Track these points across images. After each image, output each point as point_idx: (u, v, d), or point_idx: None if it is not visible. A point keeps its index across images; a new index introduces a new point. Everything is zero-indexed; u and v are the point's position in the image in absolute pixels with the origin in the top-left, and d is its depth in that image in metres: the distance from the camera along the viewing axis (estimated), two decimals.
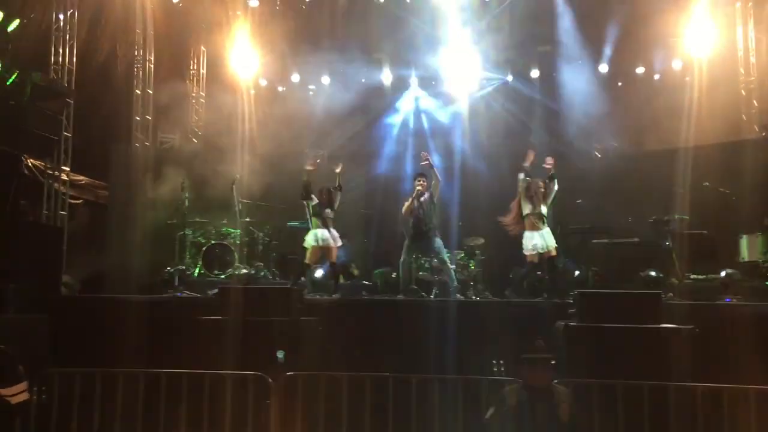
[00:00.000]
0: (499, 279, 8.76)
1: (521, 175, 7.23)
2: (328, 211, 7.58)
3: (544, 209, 7.20)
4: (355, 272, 9.12)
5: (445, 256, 7.51)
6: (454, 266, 8.03)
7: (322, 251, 7.62)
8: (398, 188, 9.47)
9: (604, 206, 9.52)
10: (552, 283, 7.32)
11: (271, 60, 11.19)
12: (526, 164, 7.26)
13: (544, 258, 7.22)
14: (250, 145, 10.55)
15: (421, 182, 7.52)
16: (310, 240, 7.53)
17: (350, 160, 10.83)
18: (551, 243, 7.18)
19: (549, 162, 7.22)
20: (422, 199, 7.46)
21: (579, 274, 8.42)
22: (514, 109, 11.22)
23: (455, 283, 7.48)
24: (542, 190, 7.19)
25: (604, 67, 10.95)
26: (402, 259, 7.53)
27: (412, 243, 7.51)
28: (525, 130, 11.17)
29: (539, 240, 7.14)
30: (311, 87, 11.64)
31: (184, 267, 8.53)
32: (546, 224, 7.19)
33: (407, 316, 6.54)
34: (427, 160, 7.38)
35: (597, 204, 9.41)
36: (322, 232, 7.49)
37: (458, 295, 7.39)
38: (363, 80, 11.24)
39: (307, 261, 7.57)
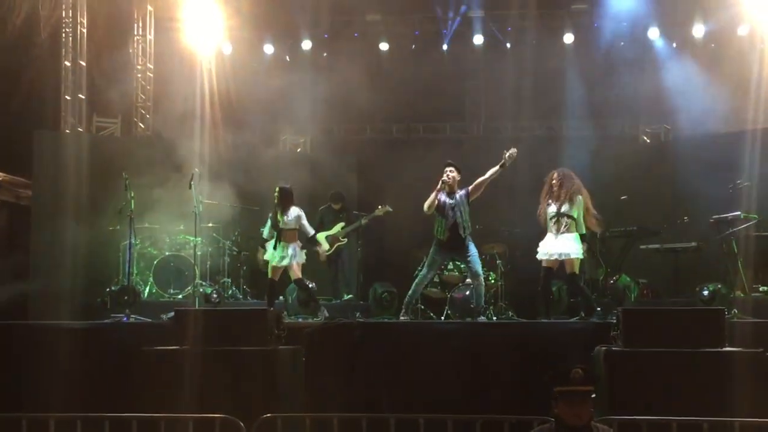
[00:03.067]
0: (525, 295, 8.92)
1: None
2: (286, 220, 7.86)
3: (565, 208, 7.31)
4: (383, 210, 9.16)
5: (480, 270, 7.54)
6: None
7: (282, 268, 7.91)
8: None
9: (653, 204, 9.69)
10: (585, 301, 7.45)
11: (238, 23, 11.28)
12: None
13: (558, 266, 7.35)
14: (213, 131, 10.67)
15: (449, 172, 7.46)
16: (269, 255, 7.91)
17: (340, 148, 11.07)
18: (568, 251, 7.24)
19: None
20: (458, 196, 7.40)
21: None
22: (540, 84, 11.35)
23: (482, 304, 7.59)
24: (555, 181, 7.33)
25: (654, 32, 11.07)
26: (422, 272, 7.60)
27: (440, 253, 7.53)
28: (552, 109, 11.35)
29: (553, 245, 7.28)
30: (287, 58, 11.73)
31: (130, 285, 8.62)
32: (572, 227, 7.29)
33: (412, 342, 6.66)
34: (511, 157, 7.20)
35: (645, 201, 9.58)
36: (279, 249, 7.83)
37: (482, 317, 7.50)
38: (353, 54, 11.34)
39: (270, 276, 7.91)
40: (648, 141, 11.49)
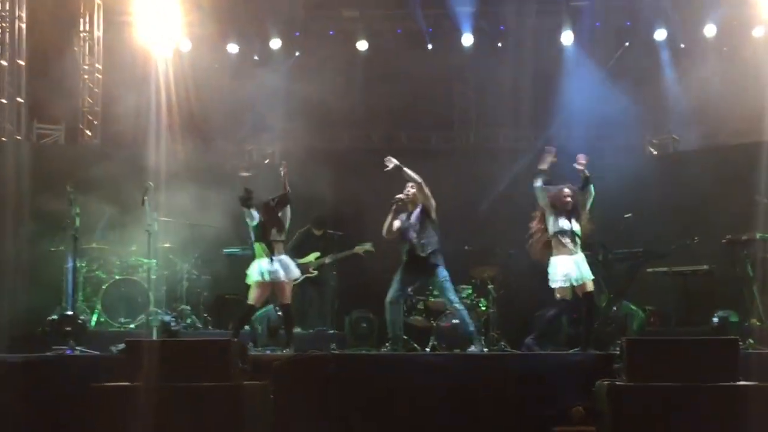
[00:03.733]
0: (519, 323, 9.00)
1: (537, 182, 7.46)
2: (274, 232, 7.75)
3: (576, 226, 7.43)
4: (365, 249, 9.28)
5: (453, 293, 7.67)
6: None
7: (272, 289, 7.78)
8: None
9: (661, 222, 9.85)
10: (589, 329, 7.55)
11: (199, 18, 11.34)
12: (544, 167, 7.49)
13: (578, 293, 7.43)
14: (170, 140, 10.71)
15: (412, 188, 7.64)
16: (253, 274, 7.70)
17: (313, 159, 11.09)
18: (587, 273, 7.39)
19: (581, 161, 7.45)
20: (414, 215, 7.59)
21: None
22: (534, 86, 11.51)
23: (471, 327, 7.67)
24: (569, 199, 7.42)
25: (661, 33, 11.23)
26: (389, 296, 7.69)
27: (404, 275, 7.68)
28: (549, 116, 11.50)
29: (573, 268, 7.34)
30: (255, 57, 11.79)
31: (75, 313, 8.57)
32: (579, 246, 7.41)
33: (393, 377, 6.69)
34: (390, 163, 7.48)
35: (652, 219, 9.74)
36: (268, 264, 7.66)
37: (472, 347, 7.56)
38: (330, 54, 11.44)
39: (250, 301, 7.73)
40: (655, 153, 11.68)
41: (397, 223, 7.64)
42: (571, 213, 7.44)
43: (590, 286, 7.43)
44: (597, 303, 9.00)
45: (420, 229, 7.56)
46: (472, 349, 7.55)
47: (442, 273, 7.60)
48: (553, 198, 7.48)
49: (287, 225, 7.89)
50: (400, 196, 7.62)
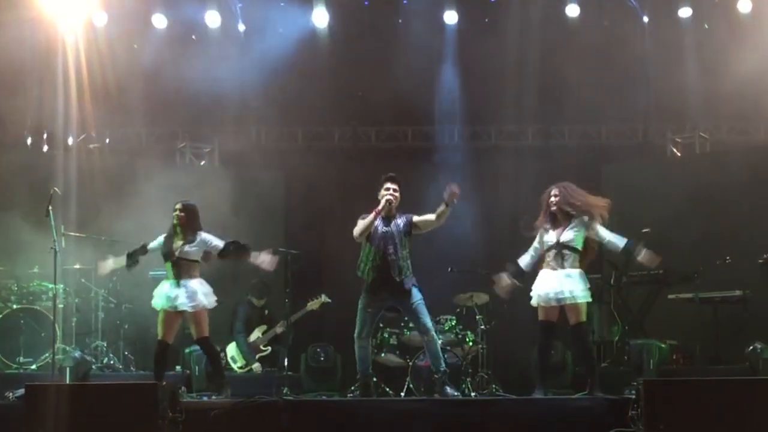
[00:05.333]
0: (514, 362, 9.05)
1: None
2: (186, 249, 7.75)
3: (566, 236, 7.44)
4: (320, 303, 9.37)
5: (429, 321, 7.72)
6: (441, 339, 8.28)
7: (180, 318, 7.81)
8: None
9: (685, 239, 9.96)
10: (592, 366, 7.61)
11: None
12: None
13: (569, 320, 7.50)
14: (82, 133, 10.64)
15: (393, 190, 7.64)
16: (155, 300, 7.77)
17: (261, 161, 11.06)
18: (567, 294, 7.36)
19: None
20: (396, 223, 7.59)
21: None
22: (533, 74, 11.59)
23: (443, 367, 7.71)
24: (554, 198, 7.49)
25: (685, 11, 11.23)
26: (357, 329, 7.65)
27: (370, 299, 7.65)
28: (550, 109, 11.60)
29: (549, 284, 7.41)
30: (193, 36, 11.73)
31: None
32: (575, 262, 7.44)
33: (360, 427, 6.71)
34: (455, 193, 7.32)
35: (674, 235, 9.86)
36: (168, 288, 7.72)
37: (448, 389, 7.59)
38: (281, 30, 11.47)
39: (159, 336, 7.77)
40: (678, 154, 11.86)
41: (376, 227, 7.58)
42: (560, 218, 7.47)
43: (579, 316, 7.40)
44: (608, 336, 9.11)
45: (400, 246, 7.59)
46: (448, 390, 7.54)
47: (417, 295, 7.64)
48: (542, 208, 7.61)
49: (209, 242, 7.86)
50: (389, 197, 7.62)
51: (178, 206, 7.84)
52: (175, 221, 7.81)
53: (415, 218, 7.62)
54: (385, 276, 7.54)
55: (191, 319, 7.76)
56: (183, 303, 7.65)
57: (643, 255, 7.41)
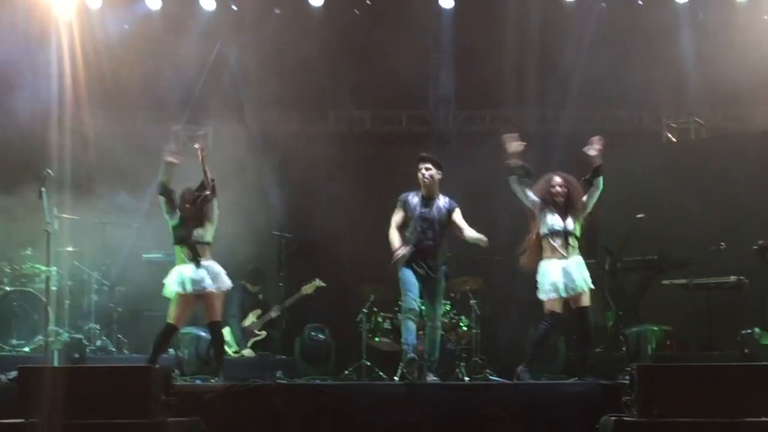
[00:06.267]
0: (508, 347, 9.05)
1: (512, 179, 7.54)
2: (200, 232, 7.73)
3: (572, 224, 7.49)
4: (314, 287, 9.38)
5: (441, 311, 7.83)
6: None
7: (196, 302, 7.77)
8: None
9: (680, 224, 9.97)
10: (586, 352, 7.63)
11: None
12: (514, 160, 7.51)
13: (572, 306, 7.51)
14: (76, 118, 10.62)
15: (425, 170, 7.60)
16: (171, 284, 7.70)
17: (256, 144, 11.01)
18: (582, 282, 7.43)
19: (596, 146, 7.46)
20: (438, 206, 7.59)
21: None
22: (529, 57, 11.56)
23: (435, 357, 7.71)
24: (561, 189, 7.47)
25: None
26: (406, 304, 7.54)
27: (414, 277, 7.56)
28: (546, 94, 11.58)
29: (563, 275, 7.39)
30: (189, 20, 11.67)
31: None
32: (576, 250, 7.47)
33: (353, 412, 6.72)
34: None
35: (669, 220, 9.86)
36: (191, 271, 7.65)
37: (433, 377, 7.59)
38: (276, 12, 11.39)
39: (170, 320, 7.72)
40: (673, 139, 11.86)
41: (414, 205, 7.56)
42: (565, 207, 7.49)
43: (586, 300, 7.48)
44: (602, 321, 9.11)
45: (439, 231, 7.57)
46: (433, 378, 7.56)
47: (443, 282, 7.71)
48: (541, 191, 7.56)
49: (215, 223, 7.84)
50: (421, 177, 7.55)
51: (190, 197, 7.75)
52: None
53: (456, 218, 7.65)
54: (428, 263, 7.55)
55: (210, 300, 7.71)
56: (209, 284, 7.64)
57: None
